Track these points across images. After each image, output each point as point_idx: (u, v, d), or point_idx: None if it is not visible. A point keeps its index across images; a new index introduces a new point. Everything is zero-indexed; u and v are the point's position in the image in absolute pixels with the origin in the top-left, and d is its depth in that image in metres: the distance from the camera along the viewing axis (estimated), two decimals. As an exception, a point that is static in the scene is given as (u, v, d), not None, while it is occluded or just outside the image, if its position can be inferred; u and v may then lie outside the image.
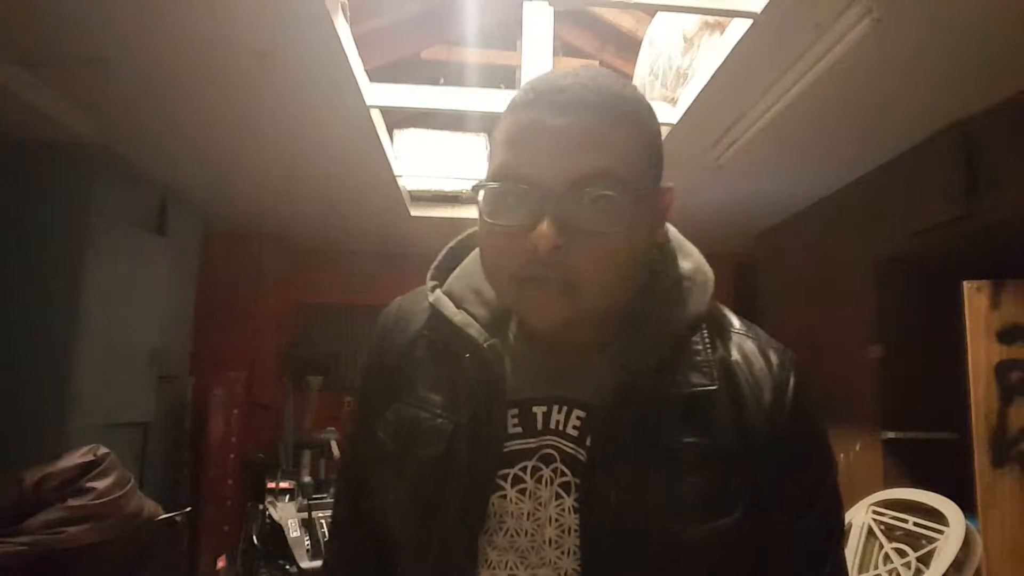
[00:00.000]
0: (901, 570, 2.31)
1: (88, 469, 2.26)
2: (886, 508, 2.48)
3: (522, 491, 0.67)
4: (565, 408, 0.68)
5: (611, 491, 0.64)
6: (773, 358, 0.71)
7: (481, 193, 0.65)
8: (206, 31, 1.93)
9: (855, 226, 3.03)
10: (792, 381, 0.70)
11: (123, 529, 2.29)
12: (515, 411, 0.69)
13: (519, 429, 0.68)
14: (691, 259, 0.74)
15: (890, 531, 2.43)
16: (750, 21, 1.84)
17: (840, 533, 0.76)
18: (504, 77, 4.21)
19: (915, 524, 2.35)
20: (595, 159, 0.61)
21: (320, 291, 4.86)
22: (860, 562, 2.45)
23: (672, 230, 0.75)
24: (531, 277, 0.62)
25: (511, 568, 0.67)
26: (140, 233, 3.04)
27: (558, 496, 0.66)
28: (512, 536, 0.67)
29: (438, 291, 0.73)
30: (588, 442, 0.66)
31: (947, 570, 2.11)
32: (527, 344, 0.71)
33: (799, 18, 1.82)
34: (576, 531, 0.65)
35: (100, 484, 2.25)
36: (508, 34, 4.06)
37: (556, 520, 0.66)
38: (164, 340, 3.18)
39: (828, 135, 2.55)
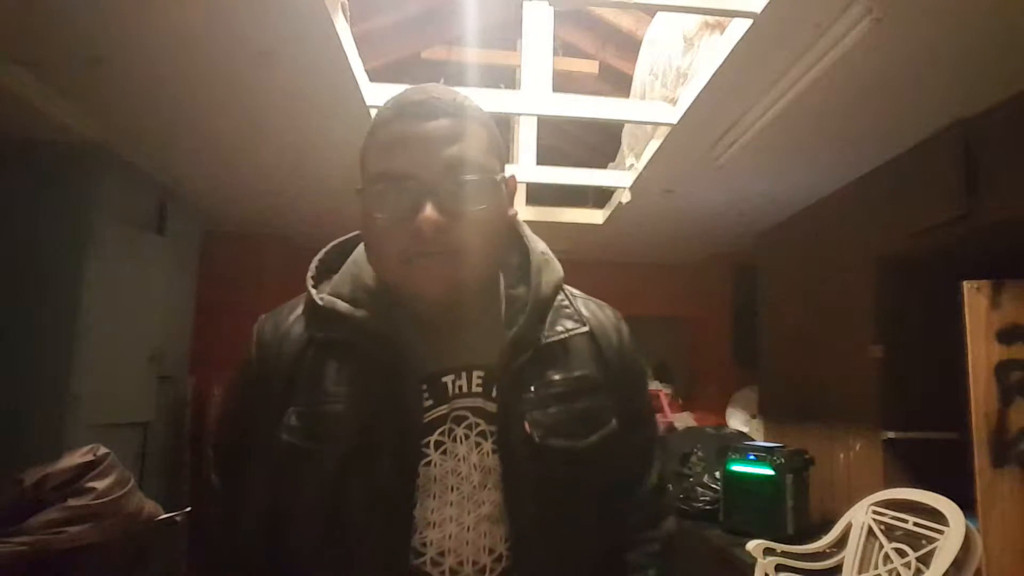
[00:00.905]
0: (901, 570, 2.31)
1: (88, 469, 2.26)
2: (886, 508, 2.48)
3: (444, 452, 0.79)
4: (464, 373, 0.81)
5: (522, 425, 0.79)
6: (610, 312, 0.94)
7: (366, 195, 0.77)
8: (206, 31, 1.93)
9: (855, 226, 3.03)
10: (625, 329, 0.94)
11: (123, 529, 2.29)
12: (425, 386, 0.80)
13: (431, 401, 0.80)
14: (541, 242, 0.91)
15: (890, 531, 2.43)
16: (750, 21, 1.84)
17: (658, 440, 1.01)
18: (504, 77, 4.21)
19: (915, 524, 2.34)
20: (458, 150, 0.75)
21: (320, 291, 4.85)
22: (860, 562, 2.45)
23: (520, 222, 0.92)
24: (421, 254, 0.74)
25: (456, 521, 0.77)
26: (140, 233, 3.04)
27: (478, 444, 0.79)
28: (443, 495, 0.78)
29: (326, 296, 0.82)
30: (494, 393, 0.80)
31: (947, 570, 2.11)
32: (419, 326, 0.82)
33: (799, 18, 1.82)
34: (498, 467, 0.79)
35: (100, 484, 2.25)
36: (508, 34, 4.07)
37: (479, 465, 0.79)
38: (164, 340, 3.18)
39: (828, 135, 2.55)
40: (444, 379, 0.80)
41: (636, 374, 0.94)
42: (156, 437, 3.14)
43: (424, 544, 0.76)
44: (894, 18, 1.72)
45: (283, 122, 2.58)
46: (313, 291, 0.84)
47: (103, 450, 2.34)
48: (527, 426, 0.78)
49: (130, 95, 2.35)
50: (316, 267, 0.88)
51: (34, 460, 2.25)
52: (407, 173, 0.74)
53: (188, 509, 2.95)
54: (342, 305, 0.81)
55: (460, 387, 0.80)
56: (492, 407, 0.80)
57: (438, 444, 0.78)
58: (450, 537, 0.77)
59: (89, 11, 1.83)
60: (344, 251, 0.91)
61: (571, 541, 0.82)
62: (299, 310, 0.86)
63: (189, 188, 3.33)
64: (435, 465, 0.78)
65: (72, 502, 2.18)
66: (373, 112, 2.56)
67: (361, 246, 0.87)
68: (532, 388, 0.81)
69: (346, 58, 2.08)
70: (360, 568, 0.76)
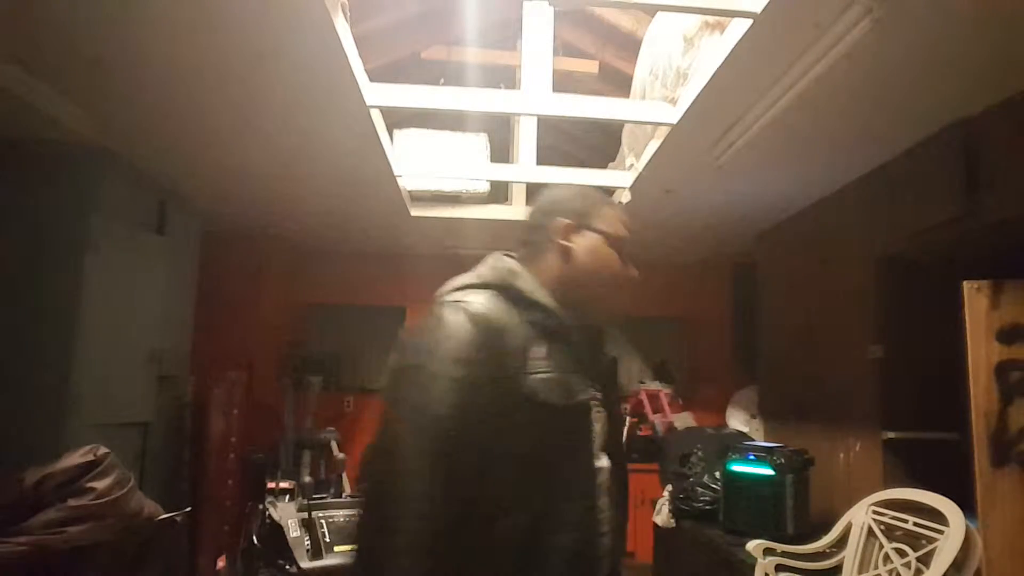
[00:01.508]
0: (901, 570, 2.31)
1: (88, 469, 2.27)
2: (886, 508, 2.48)
3: (593, 420, 1.18)
4: (587, 371, 1.20)
5: (619, 409, 1.21)
6: None
7: (608, 244, 1.22)
8: (206, 31, 1.93)
9: (855, 226, 3.03)
10: None
11: (123, 529, 2.29)
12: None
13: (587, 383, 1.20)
14: None
15: (890, 531, 2.43)
16: (750, 21, 1.84)
17: None
18: (504, 77, 4.22)
19: (915, 524, 2.34)
20: None
21: (320, 291, 4.86)
22: (860, 562, 2.45)
23: None
24: (628, 287, 1.24)
25: (606, 470, 1.16)
26: (140, 233, 3.04)
27: (599, 419, 1.18)
28: (597, 451, 1.17)
29: (540, 294, 1.16)
30: (598, 388, 1.19)
31: (947, 570, 2.11)
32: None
33: (799, 18, 1.82)
34: (606, 436, 1.18)
35: (100, 484, 2.25)
36: (508, 34, 4.07)
37: (601, 433, 1.18)
38: (164, 340, 3.18)
39: (828, 135, 2.55)
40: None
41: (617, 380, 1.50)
42: (156, 437, 3.14)
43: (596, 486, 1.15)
44: (894, 18, 1.72)
45: (283, 122, 2.58)
46: (529, 288, 1.15)
47: (103, 450, 2.34)
48: (622, 410, 1.32)
49: (130, 95, 2.35)
50: (488, 275, 1.18)
51: (34, 460, 2.26)
52: (626, 243, 1.24)
53: (188, 509, 2.95)
54: (553, 303, 1.16)
55: (588, 380, 1.18)
56: (599, 396, 1.19)
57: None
58: (603, 482, 1.15)
59: (89, 11, 1.84)
60: (507, 269, 1.22)
61: (624, 489, 1.28)
62: (499, 301, 1.12)
63: (189, 188, 3.33)
64: (592, 429, 1.17)
65: (72, 502, 2.18)
66: (373, 112, 2.57)
67: (518, 264, 1.21)
68: (612, 387, 1.25)
69: (346, 58, 2.08)
70: (572, 509, 1.10)
